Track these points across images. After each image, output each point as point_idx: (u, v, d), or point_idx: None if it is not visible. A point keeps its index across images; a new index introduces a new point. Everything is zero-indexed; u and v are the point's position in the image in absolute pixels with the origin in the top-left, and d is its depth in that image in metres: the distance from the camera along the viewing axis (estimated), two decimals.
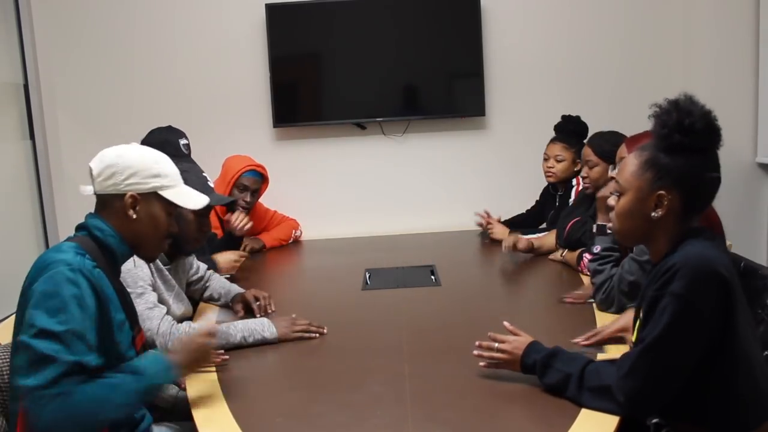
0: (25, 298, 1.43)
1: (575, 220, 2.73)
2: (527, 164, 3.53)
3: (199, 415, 1.52)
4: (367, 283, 2.64)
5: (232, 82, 3.72)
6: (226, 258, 2.76)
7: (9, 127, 3.46)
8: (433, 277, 2.67)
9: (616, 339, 1.80)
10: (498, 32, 3.69)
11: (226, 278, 2.53)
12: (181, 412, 1.76)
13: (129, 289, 1.75)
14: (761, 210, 3.30)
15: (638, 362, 1.40)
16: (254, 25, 3.67)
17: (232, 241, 2.96)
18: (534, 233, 3.08)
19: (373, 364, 1.80)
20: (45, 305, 1.37)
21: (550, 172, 3.13)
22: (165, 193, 1.58)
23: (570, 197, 3.07)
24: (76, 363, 1.34)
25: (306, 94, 3.82)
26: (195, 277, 2.36)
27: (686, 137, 1.41)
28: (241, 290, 2.35)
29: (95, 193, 1.58)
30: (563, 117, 3.22)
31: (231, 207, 3.04)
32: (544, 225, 3.28)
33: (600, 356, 1.70)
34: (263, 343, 1.94)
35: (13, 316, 1.79)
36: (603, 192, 2.22)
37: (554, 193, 3.23)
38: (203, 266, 2.42)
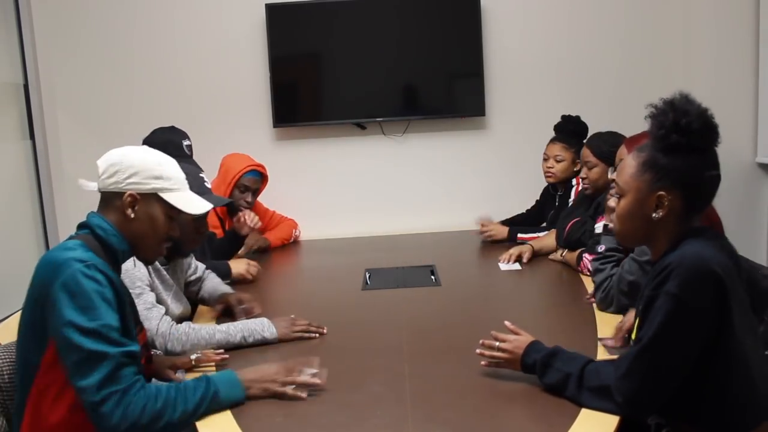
0: (38, 297, 1.44)
1: (575, 220, 2.74)
2: (527, 164, 3.53)
3: None
4: (367, 283, 2.64)
5: (232, 82, 3.72)
6: (237, 269, 2.69)
7: (9, 127, 3.46)
8: (433, 277, 2.67)
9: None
10: (498, 32, 3.69)
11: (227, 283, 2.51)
12: None
13: None
14: (761, 210, 3.30)
15: (635, 362, 1.40)
16: (254, 25, 3.67)
17: (235, 240, 2.96)
18: (534, 233, 3.09)
19: (373, 364, 1.80)
20: (74, 303, 1.39)
21: (549, 172, 3.13)
22: (166, 196, 1.59)
23: (570, 197, 3.06)
24: (124, 353, 1.40)
25: (306, 94, 3.82)
26: (193, 278, 2.36)
27: (684, 137, 1.41)
28: (228, 291, 2.32)
29: (99, 190, 1.59)
30: (563, 117, 3.22)
31: (232, 208, 3.05)
32: (544, 225, 3.28)
33: (600, 357, 1.70)
34: (263, 343, 1.95)
35: (13, 316, 1.80)
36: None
37: (554, 193, 3.23)
38: (201, 267, 2.41)
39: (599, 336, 1.87)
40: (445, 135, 3.79)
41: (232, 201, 2.96)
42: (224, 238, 2.96)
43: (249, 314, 2.13)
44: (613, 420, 1.40)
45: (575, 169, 3.06)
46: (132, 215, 1.56)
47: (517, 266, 2.76)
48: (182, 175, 1.66)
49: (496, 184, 3.77)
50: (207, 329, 1.94)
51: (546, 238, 2.95)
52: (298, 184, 3.75)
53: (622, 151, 2.22)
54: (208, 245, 2.73)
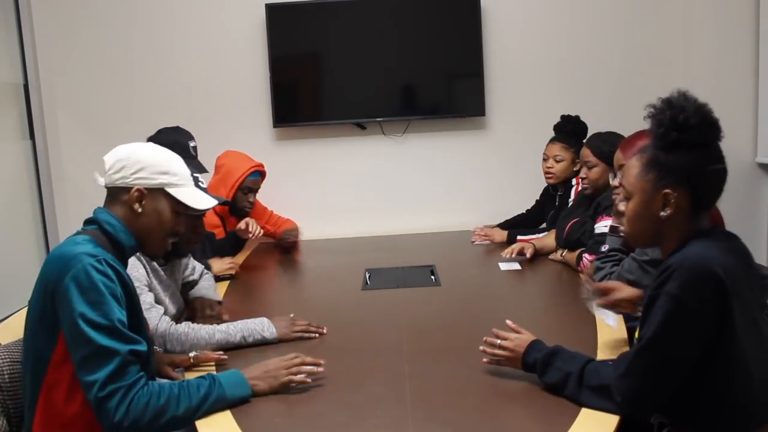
0: (48, 291, 1.45)
1: (575, 220, 2.73)
2: (527, 164, 3.53)
3: None
4: (367, 283, 2.64)
5: (232, 82, 3.72)
6: (218, 267, 2.72)
7: (9, 127, 3.46)
8: (433, 277, 2.67)
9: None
10: (498, 32, 3.69)
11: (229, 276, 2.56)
12: None
13: None
14: (761, 210, 3.30)
15: (634, 362, 1.40)
16: (254, 25, 3.67)
17: (237, 242, 2.96)
18: (533, 235, 3.08)
19: (373, 364, 1.80)
20: (84, 298, 1.41)
21: (549, 172, 3.13)
22: (172, 191, 1.60)
23: (570, 197, 3.06)
24: (132, 351, 1.42)
25: (306, 94, 3.82)
26: (191, 278, 2.35)
27: (683, 133, 1.40)
28: (202, 296, 2.29)
29: (105, 186, 1.60)
30: (562, 117, 3.22)
31: (234, 209, 3.05)
32: (543, 227, 3.28)
33: (600, 356, 1.70)
34: (263, 343, 1.95)
35: (13, 316, 1.80)
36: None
37: (554, 193, 3.23)
38: (199, 267, 2.41)
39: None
40: (445, 135, 3.79)
41: (229, 201, 2.96)
42: (225, 239, 2.96)
43: (218, 318, 2.12)
44: (613, 419, 1.40)
45: (575, 169, 3.06)
46: (139, 210, 1.57)
47: (517, 266, 2.76)
48: (188, 172, 1.68)
49: (496, 184, 3.77)
50: (207, 329, 1.94)
51: (546, 238, 2.95)
52: (298, 184, 3.76)
53: (618, 155, 2.21)
54: (208, 245, 2.73)
